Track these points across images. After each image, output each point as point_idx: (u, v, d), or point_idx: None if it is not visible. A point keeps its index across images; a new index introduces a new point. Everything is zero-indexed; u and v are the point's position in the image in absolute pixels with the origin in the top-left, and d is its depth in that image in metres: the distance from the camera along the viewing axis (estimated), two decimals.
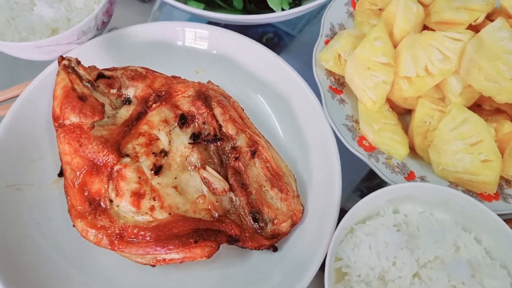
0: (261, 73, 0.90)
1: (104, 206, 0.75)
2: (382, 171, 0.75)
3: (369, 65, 0.80)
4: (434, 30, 0.81)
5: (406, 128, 0.85)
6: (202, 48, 0.94)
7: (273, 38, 1.15)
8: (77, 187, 0.76)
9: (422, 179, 0.77)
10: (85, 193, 0.76)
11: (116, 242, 0.74)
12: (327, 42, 0.88)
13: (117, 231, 0.74)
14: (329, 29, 0.89)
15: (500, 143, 0.75)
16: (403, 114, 0.86)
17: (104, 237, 0.74)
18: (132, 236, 0.74)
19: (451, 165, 0.75)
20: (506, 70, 0.73)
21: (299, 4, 0.94)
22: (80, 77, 0.80)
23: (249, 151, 0.78)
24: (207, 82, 0.90)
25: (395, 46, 0.83)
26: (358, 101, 0.83)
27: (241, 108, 0.87)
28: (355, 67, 0.81)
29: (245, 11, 0.95)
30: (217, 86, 0.91)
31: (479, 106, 0.84)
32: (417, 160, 0.81)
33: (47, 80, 0.85)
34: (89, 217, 0.74)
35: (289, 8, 0.92)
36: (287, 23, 1.14)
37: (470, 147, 0.74)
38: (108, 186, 0.76)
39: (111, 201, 0.75)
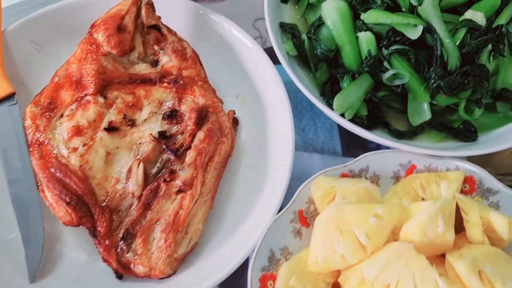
0: None
1: (53, 114, 0.79)
2: None
3: (344, 229, 0.69)
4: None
5: None
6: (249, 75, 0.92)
7: None
8: (54, 82, 0.81)
9: None
10: (55, 93, 0.80)
11: (35, 145, 0.79)
12: (343, 175, 0.78)
13: (41, 138, 0.79)
14: (360, 169, 0.79)
15: None
16: None
17: (32, 133, 0.79)
18: (44, 153, 0.77)
19: None
20: None
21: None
22: (139, 14, 0.84)
23: (179, 187, 0.74)
24: (229, 111, 0.87)
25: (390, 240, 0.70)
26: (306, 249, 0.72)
27: (226, 156, 0.83)
28: (331, 217, 0.71)
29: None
30: (234, 119, 0.87)
31: None
32: None
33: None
34: (38, 109, 0.81)
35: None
36: None
37: None
38: (71, 104, 0.79)
39: (61, 116, 0.79)
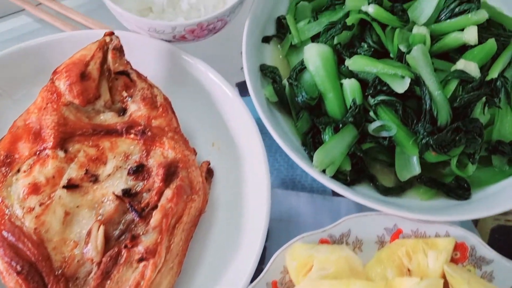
0: None
1: (9, 169, 0.74)
2: None
3: None
4: None
5: None
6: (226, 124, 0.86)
7: None
8: (12, 133, 0.75)
9: None
10: (12, 146, 0.74)
11: None
12: (322, 241, 0.71)
13: None
14: (341, 233, 0.72)
15: None
16: None
17: None
18: None
19: None
20: None
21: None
22: (105, 59, 0.78)
23: (141, 254, 0.68)
24: (203, 162, 0.81)
25: None
26: None
27: (198, 214, 0.76)
28: None
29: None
30: (209, 170, 0.81)
31: None
32: None
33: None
34: None
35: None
36: None
37: None
38: (29, 158, 0.74)
39: (18, 171, 0.73)
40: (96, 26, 0.97)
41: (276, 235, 0.88)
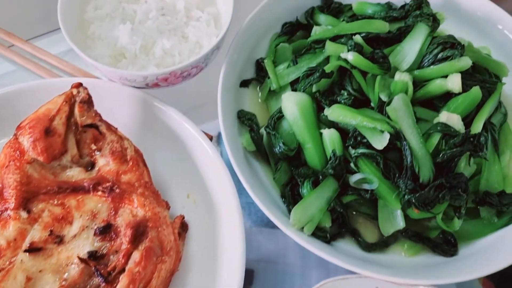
0: None
1: None
2: None
3: None
4: None
5: None
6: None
7: None
8: None
9: None
10: None
11: None
12: None
13: None
14: None
15: None
16: None
17: None
18: None
19: None
20: None
21: None
22: (72, 112, 0.74)
23: None
24: (176, 218, 0.77)
25: None
26: None
27: (170, 275, 0.73)
28: None
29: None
30: (183, 225, 0.77)
31: None
32: None
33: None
34: None
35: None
36: None
37: None
38: None
39: None
40: (70, 69, 0.94)
41: (262, 277, 0.85)
